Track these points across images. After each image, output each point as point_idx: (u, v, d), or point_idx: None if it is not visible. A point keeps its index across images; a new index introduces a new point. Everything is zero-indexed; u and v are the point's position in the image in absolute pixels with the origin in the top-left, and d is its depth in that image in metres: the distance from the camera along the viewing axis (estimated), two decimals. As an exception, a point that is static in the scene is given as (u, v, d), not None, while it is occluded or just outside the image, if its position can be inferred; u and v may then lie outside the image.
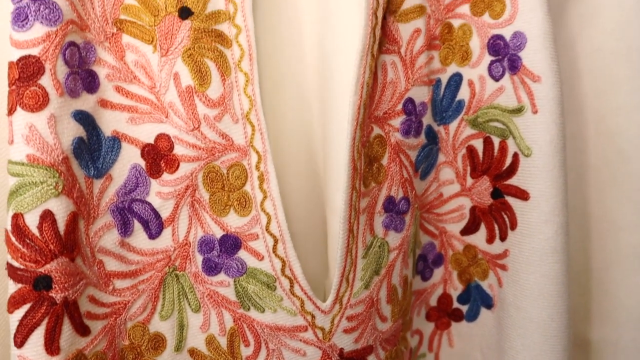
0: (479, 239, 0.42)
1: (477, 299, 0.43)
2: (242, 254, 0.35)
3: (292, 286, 0.35)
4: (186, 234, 0.35)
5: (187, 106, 0.33)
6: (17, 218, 0.29)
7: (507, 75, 0.38)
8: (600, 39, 0.43)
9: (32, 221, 0.29)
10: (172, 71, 0.33)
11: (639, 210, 0.41)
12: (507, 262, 0.40)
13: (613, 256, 0.43)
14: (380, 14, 0.34)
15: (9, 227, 0.29)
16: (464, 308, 0.44)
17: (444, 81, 0.41)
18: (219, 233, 0.35)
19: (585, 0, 0.43)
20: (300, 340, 0.36)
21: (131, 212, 0.34)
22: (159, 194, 0.34)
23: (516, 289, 0.39)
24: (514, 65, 0.38)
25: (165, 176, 0.34)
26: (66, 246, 0.30)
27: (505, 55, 0.38)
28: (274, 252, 0.35)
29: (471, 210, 0.42)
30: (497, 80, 0.39)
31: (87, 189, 0.32)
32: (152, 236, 0.34)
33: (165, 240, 0.34)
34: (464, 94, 0.41)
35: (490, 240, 0.41)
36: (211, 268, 0.35)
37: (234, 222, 0.35)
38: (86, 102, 0.32)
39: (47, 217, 0.29)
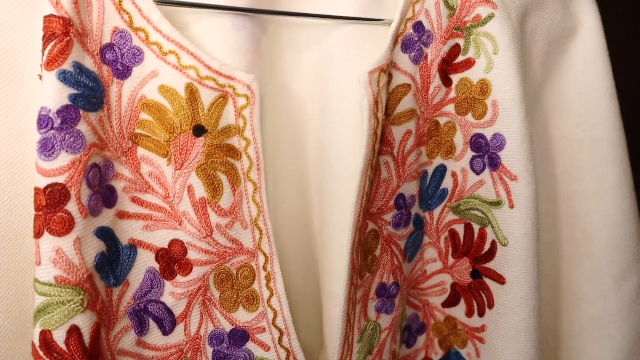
0: (459, 312, 0.46)
1: (456, 365, 0.47)
2: (250, 345, 0.38)
3: None
4: (197, 328, 0.37)
5: (201, 216, 0.36)
6: (45, 334, 0.31)
7: (487, 171, 0.42)
8: (568, 128, 0.48)
9: (59, 337, 0.31)
10: (187, 184, 0.35)
11: (598, 287, 0.46)
12: (484, 336, 0.44)
13: (577, 326, 0.48)
14: (379, 132, 0.38)
15: (37, 342, 0.31)
16: (445, 371, 0.48)
17: (430, 172, 0.44)
18: (228, 327, 0.38)
19: (557, 93, 0.47)
20: None
21: (147, 313, 0.36)
22: (173, 294, 0.36)
23: (493, 362, 0.43)
24: (494, 163, 0.42)
25: (179, 278, 0.36)
26: (91, 356, 0.32)
27: (486, 152, 0.42)
28: (279, 343, 0.38)
29: (452, 286, 0.46)
30: (478, 174, 0.43)
31: (107, 298, 0.34)
32: (166, 333, 0.37)
33: (178, 335, 0.37)
34: (447, 183, 0.44)
35: (469, 314, 0.45)
36: (221, 359, 0.38)
37: (242, 317, 0.38)
38: (106, 217, 0.34)
39: (74, 332, 0.31)
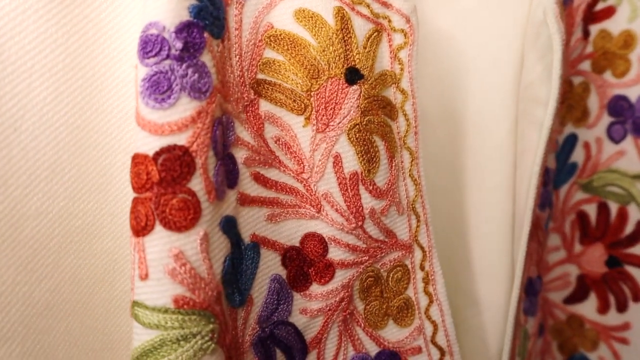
0: (587, 308, 0.39)
1: (582, 371, 0.40)
2: None
3: None
4: (334, 355, 0.27)
5: (350, 198, 0.25)
6: None
7: (629, 138, 0.36)
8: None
9: None
10: (332, 152, 0.25)
11: None
12: (628, 335, 0.37)
13: None
14: None
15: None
16: (564, 379, 0.41)
17: (560, 143, 0.37)
18: (373, 350, 0.27)
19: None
20: None
21: (273, 341, 0.25)
22: (305, 311, 0.26)
23: (643, 365, 0.37)
24: (640, 129, 0.35)
25: (315, 288, 0.26)
26: None
27: (629, 117, 0.36)
28: None
29: (578, 278, 0.39)
30: (617, 142, 0.36)
31: (232, 324, 0.23)
32: None
33: None
34: (577, 156, 0.37)
35: (602, 310, 0.39)
36: None
37: (392, 335, 0.27)
38: (230, 202, 0.23)
39: None
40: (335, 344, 0.27)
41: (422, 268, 0.28)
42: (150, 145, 0.19)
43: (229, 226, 0.22)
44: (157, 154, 0.19)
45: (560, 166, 0.38)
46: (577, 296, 0.39)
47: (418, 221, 0.28)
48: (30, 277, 0.20)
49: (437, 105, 0.31)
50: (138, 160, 0.19)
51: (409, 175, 0.27)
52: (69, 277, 0.22)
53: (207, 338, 0.20)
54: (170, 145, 0.19)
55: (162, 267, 0.19)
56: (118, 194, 0.24)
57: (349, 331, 0.27)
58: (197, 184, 0.20)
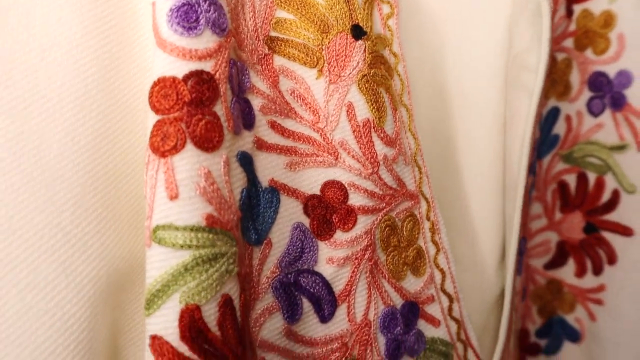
0: (565, 272, 0.42)
1: (559, 333, 0.43)
2: (421, 324, 0.29)
3: (465, 351, 0.30)
4: (365, 310, 0.27)
5: (364, 144, 0.26)
6: (191, 314, 0.19)
7: (607, 112, 0.39)
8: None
9: (210, 315, 0.20)
10: (345, 101, 0.26)
11: None
12: (603, 296, 0.40)
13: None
14: None
15: (173, 331, 0.19)
16: (543, 342, 0.43)
17: (543, 115, 0.39)
18: (398, 302, 0.28)
19: None
20: None
21: (299, 289, 0.25)
22: (331, 260, 0.26)
23: (616, 324, 0.39)
24: (617, 103, 0.38)
25: (339, 235, 0.26)
26: (245, 346, 0.21)
27: (607, 92, 0.38)
28: (449, 314, 0.29)
29: (558, 245, 0.42)
30: (596, 116, 0.39)
31: (247, 261, 0.23)
32: (325, 318, 0.26)
33: (339, 322, 0.26)
34: (559, 128, 0.40)
35: (579, 274, 0.41)
36: (396, 350, 0.28)
37: (411, 285, 0.28)
38: (246, 141, 0.23)
39: (228, 306, 0.20)
40: (365, 298, 0.27)
41: (428, 218, 0.29)
42: (180, 69, 0.20)
43: (245, 161, 0.23)
44: (187, 77, 0.20)
45: (543, 137, 0.40)
46: (557, 262, 0.42)
47: (420, 173, 0.29)
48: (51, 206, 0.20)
49: (427, 73, 0.32)
50: (165, 82, 0.20)
51: (409, 129, 0.28)
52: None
53: (231, 260, 0.20)
54: (198, 70, 0.20)
55: (193, 185, 0.19)
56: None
57: (377, 283, 0.27)
58: (220, 109, 0.20)
